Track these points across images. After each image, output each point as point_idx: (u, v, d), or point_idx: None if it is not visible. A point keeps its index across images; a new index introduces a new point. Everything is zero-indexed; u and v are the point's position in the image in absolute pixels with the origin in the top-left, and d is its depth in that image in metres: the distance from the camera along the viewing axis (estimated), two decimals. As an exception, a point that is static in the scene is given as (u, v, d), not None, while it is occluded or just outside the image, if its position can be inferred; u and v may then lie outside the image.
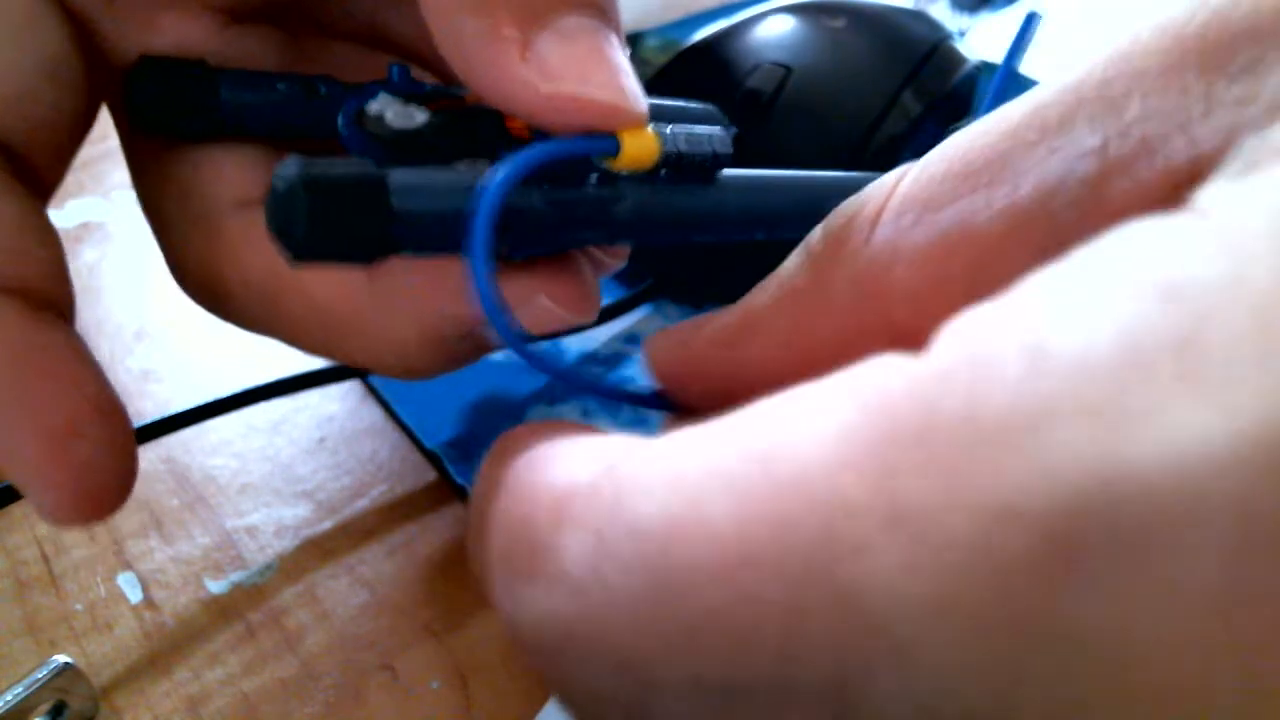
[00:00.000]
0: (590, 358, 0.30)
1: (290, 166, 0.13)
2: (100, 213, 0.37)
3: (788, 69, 0.28)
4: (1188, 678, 0.06)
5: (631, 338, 0.30)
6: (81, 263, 0.35)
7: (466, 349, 0.20)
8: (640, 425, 0.27)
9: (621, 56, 0.15)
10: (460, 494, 0.26)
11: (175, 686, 0.22)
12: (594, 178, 0.16)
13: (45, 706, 0.20)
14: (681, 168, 0.16)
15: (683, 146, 0.16)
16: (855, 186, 0.12)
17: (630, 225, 0.16)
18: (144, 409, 0.29)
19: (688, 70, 0.30)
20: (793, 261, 0.13)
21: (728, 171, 0.17)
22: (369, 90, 0.17)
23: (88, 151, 0.40)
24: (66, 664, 0.21)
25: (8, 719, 0.20)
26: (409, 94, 0.17)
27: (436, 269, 0.17)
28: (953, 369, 0.07)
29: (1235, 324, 0.06)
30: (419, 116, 0.16)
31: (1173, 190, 0.08)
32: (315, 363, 0.28)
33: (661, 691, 0.08)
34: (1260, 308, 0.06)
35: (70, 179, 0.39)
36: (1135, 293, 0.07)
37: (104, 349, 0.31)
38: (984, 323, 0.07)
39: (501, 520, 0.09)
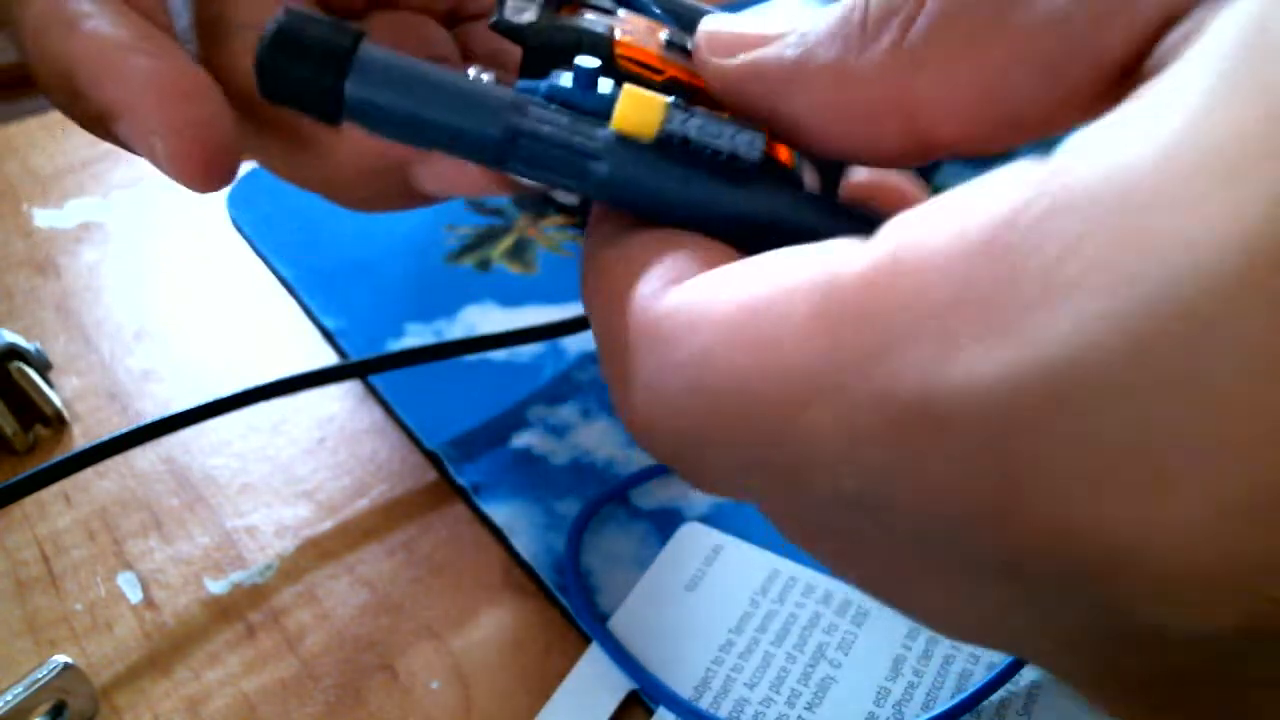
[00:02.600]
0: (590, 358, 0.30)
1: (280, 14, 0.15)
2: (100, 213, 0.37)
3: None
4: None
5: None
6: (81, 263, 0.35)
7: (395, 187, 0.22)
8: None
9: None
10: (460, 494, 0.26)
11: (175, 686, 0.22)
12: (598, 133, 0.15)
13: (45, 706, 0.20)
14: (687, 154, 0.15)
15: (691, 132, 0.15)
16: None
17: (606, 188, 0.15)
18: (144, 409, 0.29)
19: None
20: (831, 24, 0.14)
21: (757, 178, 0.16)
22: None
23: (88, 152, 0.40)
24: (66, 664, 0.21)
25: (8, 719, 0.20)
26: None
27: None
28: (887, 268, 0.10)
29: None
30: (527, 14, 0.18)
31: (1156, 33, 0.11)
32: (315, 363, 0.28)
33: (704, 451, 0.12)
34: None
35: (70, 179, 0.39)
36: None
37: (104, 349, 0.31)
38: (917, 228, 0.10)
39: (604, 337, 0.14)
